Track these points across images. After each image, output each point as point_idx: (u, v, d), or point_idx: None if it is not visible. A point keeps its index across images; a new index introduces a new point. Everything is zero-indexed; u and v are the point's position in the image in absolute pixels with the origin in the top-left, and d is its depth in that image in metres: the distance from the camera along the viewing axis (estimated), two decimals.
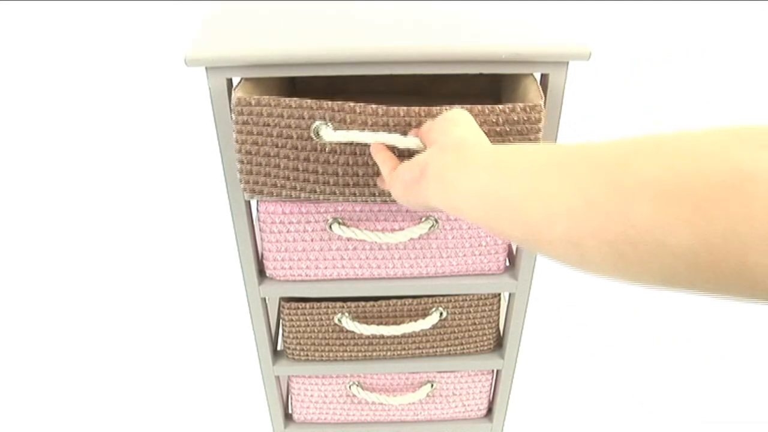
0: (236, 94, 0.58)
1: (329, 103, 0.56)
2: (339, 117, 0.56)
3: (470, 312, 0.79)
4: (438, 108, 0.56)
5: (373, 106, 0.56)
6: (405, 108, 0.56)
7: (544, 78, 0.62)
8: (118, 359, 1.26)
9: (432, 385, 0.88)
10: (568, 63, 0.60)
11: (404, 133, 0.56)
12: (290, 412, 0.96)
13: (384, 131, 0.56)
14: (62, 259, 1.44)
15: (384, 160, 0.55)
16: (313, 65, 0.59)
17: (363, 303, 0.77)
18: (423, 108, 0.55)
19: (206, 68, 0.59)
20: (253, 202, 0.70)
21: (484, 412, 0.95)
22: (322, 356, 0.82)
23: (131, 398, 1.20)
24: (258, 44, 0.59)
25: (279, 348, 0.87)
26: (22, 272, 1.42)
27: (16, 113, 1.87)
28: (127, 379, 1.22)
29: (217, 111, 0.62)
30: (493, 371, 0.89)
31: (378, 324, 0.78)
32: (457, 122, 0.49)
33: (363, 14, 0.66)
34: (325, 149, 0.59)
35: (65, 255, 1.45)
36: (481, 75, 0.76)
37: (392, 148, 0.56)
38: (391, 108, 0.56)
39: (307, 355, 0.82)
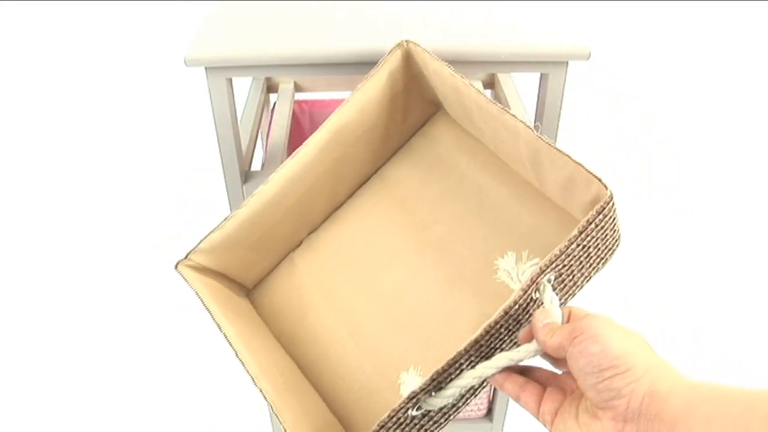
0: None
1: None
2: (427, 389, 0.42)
3: None
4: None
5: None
6: (477, 334, 0.41)
7: (544, 78, 0.62)
8: (119, 361, 1.26)
9: None
10: (567, 63, 0.60)
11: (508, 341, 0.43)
12: None
13: (479, 359, 0.42)
14: (60, 257, 1.44)
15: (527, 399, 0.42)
16: (314, 66, 0.59)
17: None
18: (488, 324, 0.41)
19: (206, 68, 0.59)
20: None
21: (484, 411, 0.95)
22: None
23: (132, 399, 1.20)
24: (258, 44, 0.59)
25: None
26: (21, 272, 1.42)
27: (15, 113, 1.88)
28: (128, 380, 1.22)
29: (217, 111, 0.62)
30: None
31: None
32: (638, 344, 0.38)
33: (363, 14, 0.66)
34: None
35: (63, 253, 1.46)
36: None
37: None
38: (470, 341, 0.41)
39: None
